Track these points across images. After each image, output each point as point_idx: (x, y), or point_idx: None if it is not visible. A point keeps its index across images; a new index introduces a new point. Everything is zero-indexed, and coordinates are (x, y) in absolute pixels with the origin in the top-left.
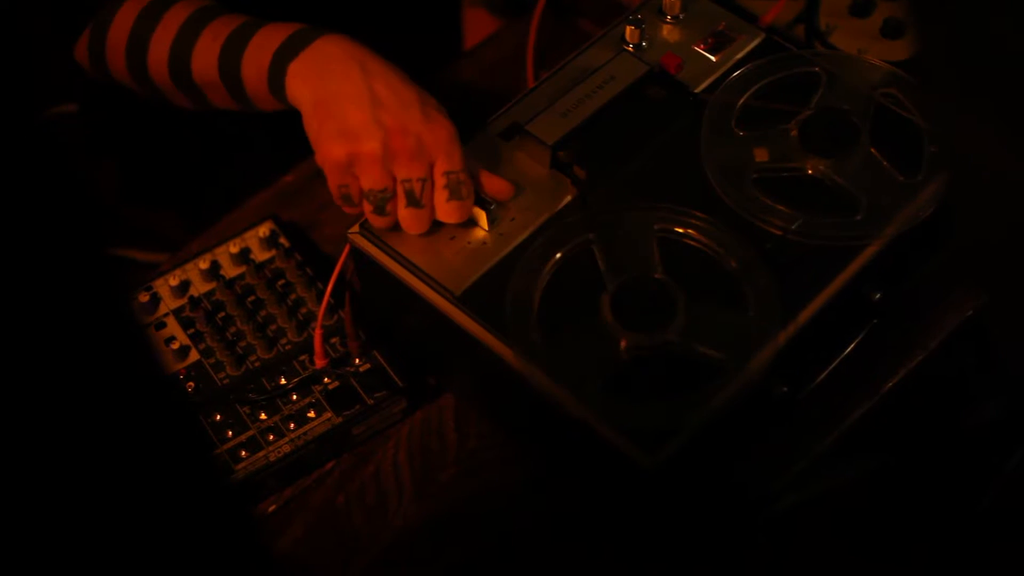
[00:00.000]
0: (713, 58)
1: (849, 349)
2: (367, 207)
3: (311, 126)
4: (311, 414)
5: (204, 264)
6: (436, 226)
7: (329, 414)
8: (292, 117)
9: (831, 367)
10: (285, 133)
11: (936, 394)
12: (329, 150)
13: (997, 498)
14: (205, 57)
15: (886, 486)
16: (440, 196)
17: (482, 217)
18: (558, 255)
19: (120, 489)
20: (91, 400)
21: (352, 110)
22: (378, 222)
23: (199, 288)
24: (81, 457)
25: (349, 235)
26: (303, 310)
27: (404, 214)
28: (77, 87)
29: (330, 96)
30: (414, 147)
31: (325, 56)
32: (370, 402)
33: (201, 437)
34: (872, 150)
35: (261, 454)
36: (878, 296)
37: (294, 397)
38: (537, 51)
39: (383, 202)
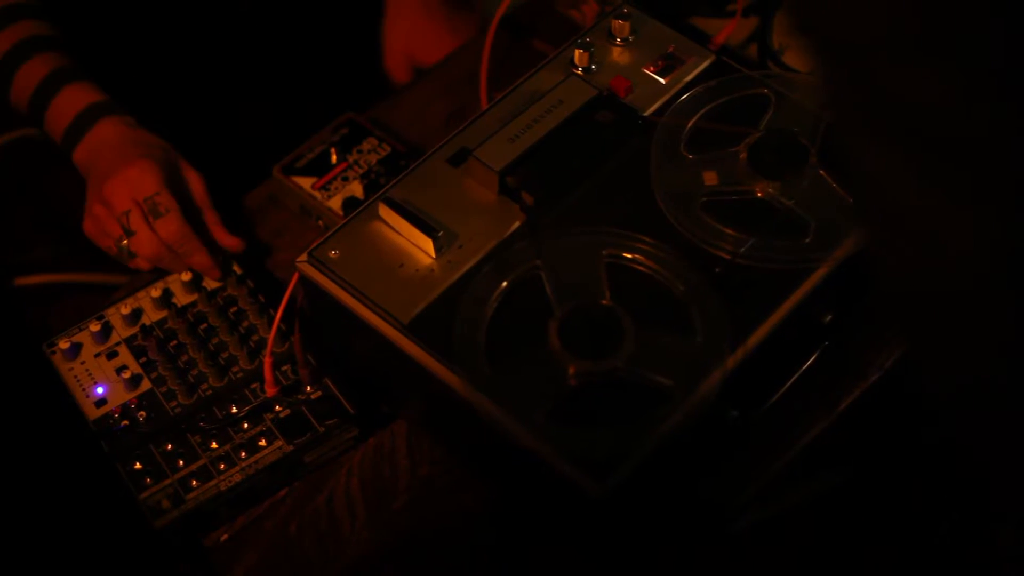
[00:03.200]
0: (663, 80)
1: (801, 371)
2: (124, 257)
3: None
4: (262, 442)
5: (156, 292)
6: (385, 254)
7: (280, 442)
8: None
9: (783, 390)
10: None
11: (895, 411)
12: (84, 226)
13: (960, 513)
14: (26, 80)
15: (848, 502)
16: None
17: (429, 245)
18: (505, 283)
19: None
20: None
21: (92, 184)
22: (138, 263)
23: (151, 316)
24: None
25: (297, 264)
26: (255, 338)
27: (129, 242)
28: None
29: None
30: (121, 189)
31: (99, 142)
32: (321, 430)
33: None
34: (821, 172)
35: (212, 483)
36: (829, 318)
37: (245, 425)
38: (492, 72)
39: (122, 248)
